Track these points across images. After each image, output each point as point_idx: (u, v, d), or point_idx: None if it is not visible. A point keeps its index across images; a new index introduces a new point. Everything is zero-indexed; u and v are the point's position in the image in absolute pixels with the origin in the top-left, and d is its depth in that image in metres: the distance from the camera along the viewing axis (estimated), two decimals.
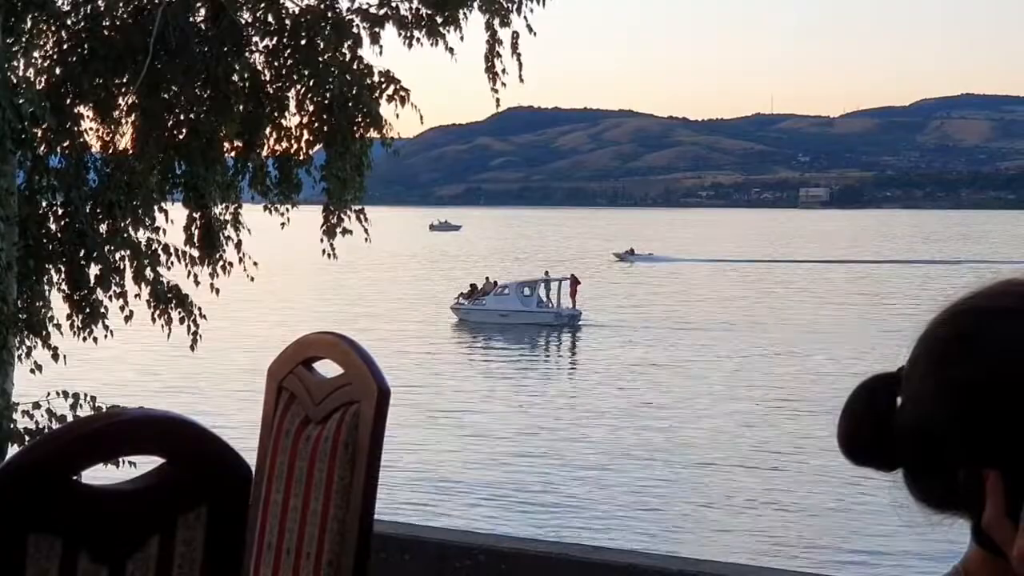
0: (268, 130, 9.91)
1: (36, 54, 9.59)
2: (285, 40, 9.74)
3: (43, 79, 9.53)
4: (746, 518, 19.45)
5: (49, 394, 8.48)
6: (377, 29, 9.75)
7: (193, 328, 9.94)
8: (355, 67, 9.70)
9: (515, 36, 9.80)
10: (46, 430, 8.00)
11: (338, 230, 10.09)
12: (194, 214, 9.93)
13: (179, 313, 9.92)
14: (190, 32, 9.38)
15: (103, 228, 9.63)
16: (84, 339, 9.64)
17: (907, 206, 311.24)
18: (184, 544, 2.53)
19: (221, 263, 10.07)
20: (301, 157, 9.99)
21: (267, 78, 9.84)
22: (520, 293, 49.92)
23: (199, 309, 9.99)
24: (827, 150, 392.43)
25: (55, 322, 9.50)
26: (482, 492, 20.93)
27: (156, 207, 9.89)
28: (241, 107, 9.69)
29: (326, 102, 9.66)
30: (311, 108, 9.79)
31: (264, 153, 10.05)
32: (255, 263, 10.32)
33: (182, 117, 9.68)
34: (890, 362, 1.12)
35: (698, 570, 4.64)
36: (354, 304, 52.76)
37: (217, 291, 9.99)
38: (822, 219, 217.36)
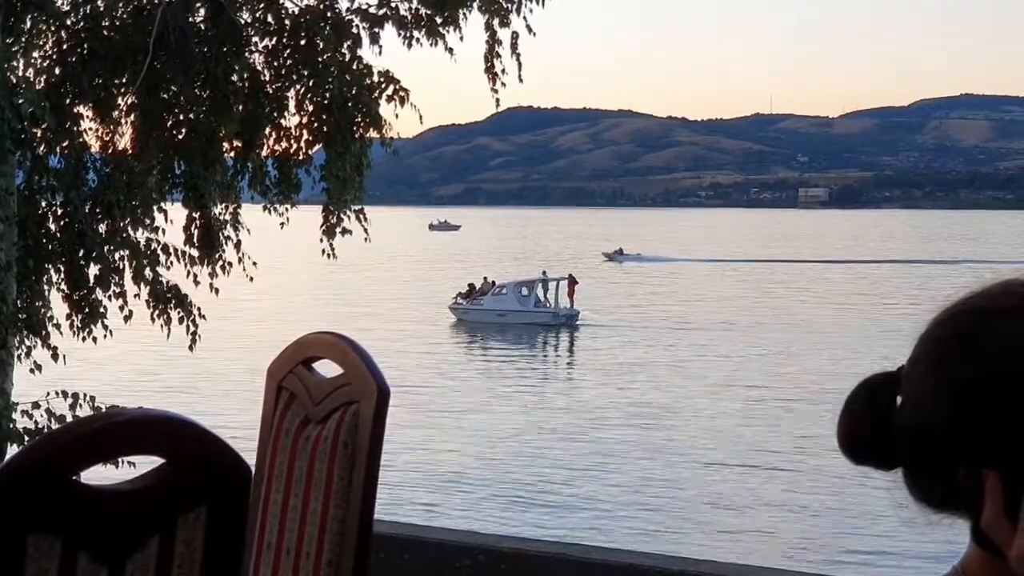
0: (268, 130, 9.91)
1: (36, 54, 9.58)
2: (285, 40, 9.73)
3: (43, 79, 9.53)
4: (746, 518, 19.45)
5: (48, 394, 8.46)
6: (377, 29, 9.75)
7: (192, 328, 9.94)
8: (355, 67, 9.70)
9: (515, 36, 9.80)
10: (45, 430, 7.98)
11: (337, 230, 10.09)
12: (194, 214, 9.93)
13: (178, 313, 9.92)
14: (190, 32, 9.38)
15: (102, 228, 9.64)
16: (83, 339, 9.64)
17: (906, 206, 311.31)
18: (184, 544, 2.53)
19: (220, 263, 10.07)
20: (301, 157, 9.99)
21: (267, 78, 9.84)
22: (518, 293, 49.89)
23: (198, 309, 9.99)
24: (826, 150, 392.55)
25: (55, 322, 9.50)
26: (482, 492, 20.93)
27: (156, 207, 9.89)
28: (241, 107, 9.68)
29: (326, 102, 9.66)
30: (311, 108, 9.79)
31: (264, 153, 10.04)
32: (255, 263, 10.32)
33: (182, 117, 9.67)
34: (890, 362, 1.12)
35: (698, 570, 4.63)
36: (354, 304, 52.75)
37: (217, 291, 10.00)
38: (821, 219, 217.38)
